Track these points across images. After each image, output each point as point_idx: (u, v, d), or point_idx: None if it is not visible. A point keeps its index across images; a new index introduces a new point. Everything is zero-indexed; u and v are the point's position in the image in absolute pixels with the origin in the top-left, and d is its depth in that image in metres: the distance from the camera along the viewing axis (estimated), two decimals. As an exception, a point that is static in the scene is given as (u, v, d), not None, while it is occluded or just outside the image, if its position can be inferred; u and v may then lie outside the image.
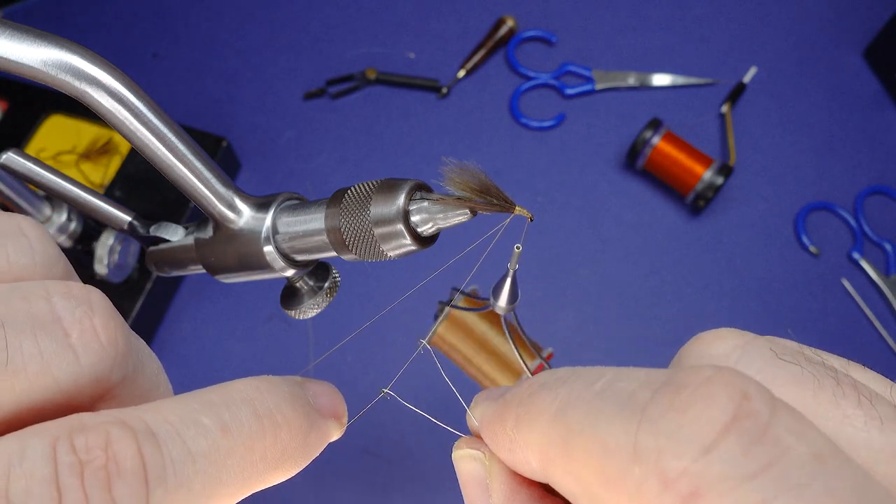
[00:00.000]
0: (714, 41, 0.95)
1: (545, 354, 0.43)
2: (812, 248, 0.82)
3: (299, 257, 0.31)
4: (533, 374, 0.41)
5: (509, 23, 0.94)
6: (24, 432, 0.15)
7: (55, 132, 0.83)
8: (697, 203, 0.81)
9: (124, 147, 0.82)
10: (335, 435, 0.22)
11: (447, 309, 0.41)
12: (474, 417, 0.21)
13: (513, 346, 0.40)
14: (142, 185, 0.80)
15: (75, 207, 0.36)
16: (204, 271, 0.35)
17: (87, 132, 0.83)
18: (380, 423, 0.73)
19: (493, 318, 0.49)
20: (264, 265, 0.31)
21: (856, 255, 0.81)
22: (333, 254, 0.29)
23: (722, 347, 0.18)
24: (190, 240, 0.35)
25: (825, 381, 0.16)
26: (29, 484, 0.14)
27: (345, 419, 0.23)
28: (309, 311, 0.33)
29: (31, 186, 0.58)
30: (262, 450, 0.18)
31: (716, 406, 0.14)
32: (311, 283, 0.34)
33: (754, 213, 0.85)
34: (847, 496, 0.13)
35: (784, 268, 0.82)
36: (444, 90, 0.91)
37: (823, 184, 0.86)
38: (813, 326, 0.79)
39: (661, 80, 0.92)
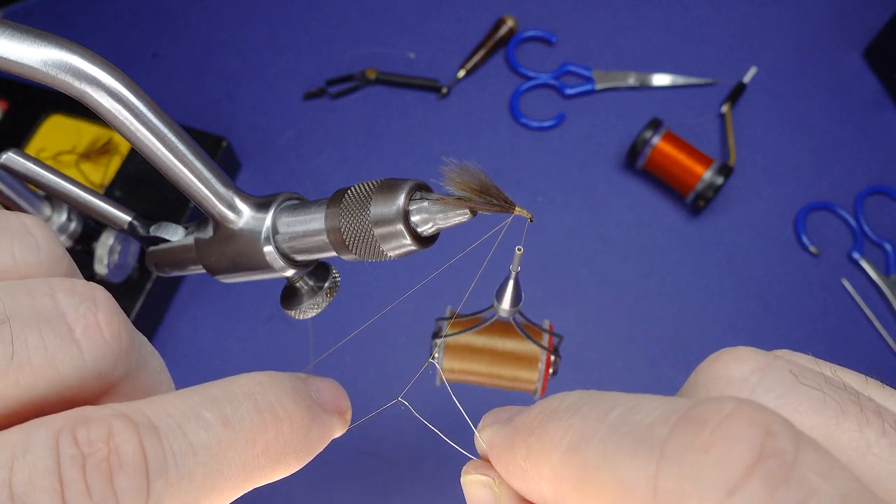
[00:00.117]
0: (714, 41, 0.95)
1: (546, 326, 0.43)
2: (812, 248, 0.82)
3: (299, 257, 0.31)
4: (549, 348, 0.41)
5: (509, 23, 0.94)
6: (28, 425, 0.15)
7: (55, 132, 0.83)
8: (697, 203, 0.81)
9: (124, 147, 0.82)
10: (339, 431, 0.22)
11: (442, 342, 0.40)
12: (482, 440, 0.21)
13: (527, 339, 0.40)
14: (142, 185, 0.80)
15: (75, 207, 0.36)
16: (204, 271, 0.35)
17: (87, 132, 0.83)
18: (380, 424, 0.73)
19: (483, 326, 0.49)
20: (264, 265, 0.31)
21: (856, 255, 0.81)
22: (333, 254, 0.29)
23: (740, 371, 0.17)
24: (190, 240, 0.35)
25: (848, 408, 0.16)
26: (32, 475, 0.14)
27: (348, 415, 0.23)
28: (309, 311, 0.34)
29: (31, 186, 0.58)
30: (264, 443, 0.18)
31: (739, 445, 0.13)
32: (311, 283, 0.34)
33: (754, 213, 0.85)
34: None
35: (784, 268, 0.82)
36: (444, 90, 0.91)
37: (823, 184, 0.86)
38: (813, 326, 0.79)
39: (661, 80, 0.92)
